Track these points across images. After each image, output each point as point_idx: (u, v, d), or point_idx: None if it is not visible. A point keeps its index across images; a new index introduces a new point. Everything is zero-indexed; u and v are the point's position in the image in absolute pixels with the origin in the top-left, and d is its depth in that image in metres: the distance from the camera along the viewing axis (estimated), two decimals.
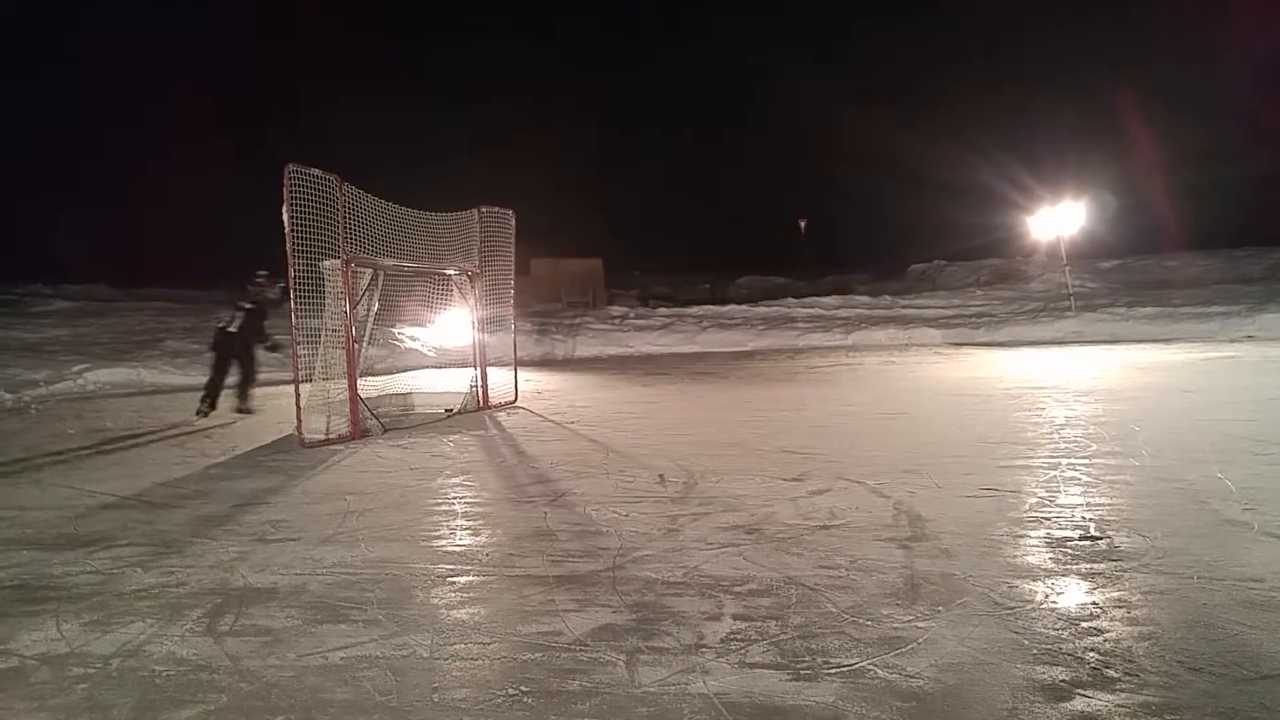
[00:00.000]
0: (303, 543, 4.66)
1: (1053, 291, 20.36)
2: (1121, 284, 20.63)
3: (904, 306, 20.06)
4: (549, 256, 26.01)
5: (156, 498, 5.92)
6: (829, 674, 2.86)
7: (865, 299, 21.02)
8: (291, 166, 7.72)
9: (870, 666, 2.89)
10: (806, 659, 2.98)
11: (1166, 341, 15.73)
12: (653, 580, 3.85)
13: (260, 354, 10.29)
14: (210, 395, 9.89)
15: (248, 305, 10.06)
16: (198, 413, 9.75)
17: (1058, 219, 19.81)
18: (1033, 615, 3.30)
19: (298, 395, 8.01)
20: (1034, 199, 20.84)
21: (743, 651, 3.06)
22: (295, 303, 7.95)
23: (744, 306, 21.15)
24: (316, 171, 7.96)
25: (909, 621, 3.27)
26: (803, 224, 39.24)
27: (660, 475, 6.07)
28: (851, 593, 3.60)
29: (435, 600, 3.75)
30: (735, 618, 3.37)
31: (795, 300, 21.50)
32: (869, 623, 3.27)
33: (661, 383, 12.61)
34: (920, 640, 3.09)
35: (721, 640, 3.16)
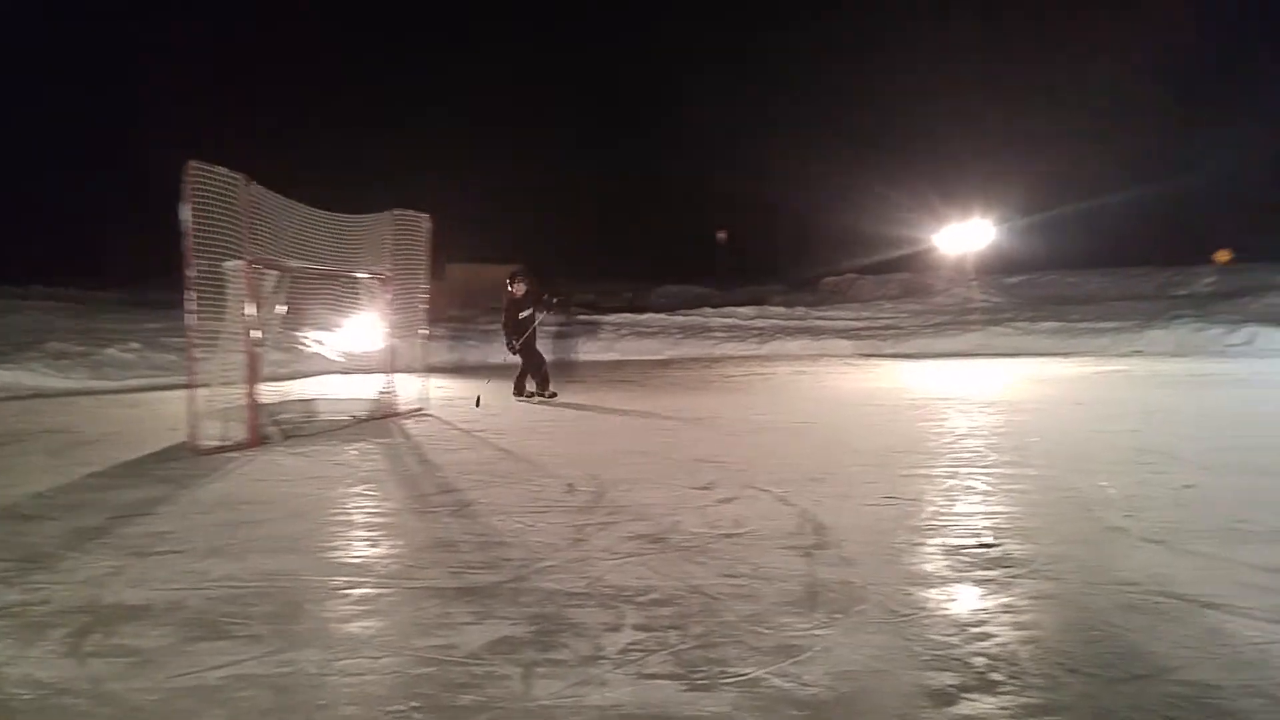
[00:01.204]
0: (187, 555, 4.45)
1: (959, 305, 21.10)
2: (1025, 299, 21.52)
3: (817, 318, 20.49)
4: (468, 262, 25.69)
5: (29, 509, 5.58)
6: (725, 684, 2.87)
7: (780, 310, 21.38)
8: (193, 163, 7.42)
9: (766, 675, 2.91)
10: (704, 669, 2.98)
11: (1065, 355, 16.47)
12: (554, 591, 3.80)
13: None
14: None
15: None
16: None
17: (965, 235, 20.54)
18: (926, 622, 3.37)
19: (192, 400, 7.67)
20: (942, 216, 21.58)
21: (641, 662, 3.04)
22: (194, 304, 7.64)
23: (662, 315, 21.28)
24: (221, 169, 7.68)
25: (807, 630, 3.30)
26: (721, 235, 39.75)
27: (569, 484, 6.03)
28: (752, 601, 3.63)
29: (326, 614, 3.62)
30: (635, 628, 3.36)
31: (712, 310, 21.72)
32: (768, 631, 3.30)
33: (576, 390, 12.55)
34: (817, 648, 3.13)
35: (620, 651, 3.14)
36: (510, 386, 11.67)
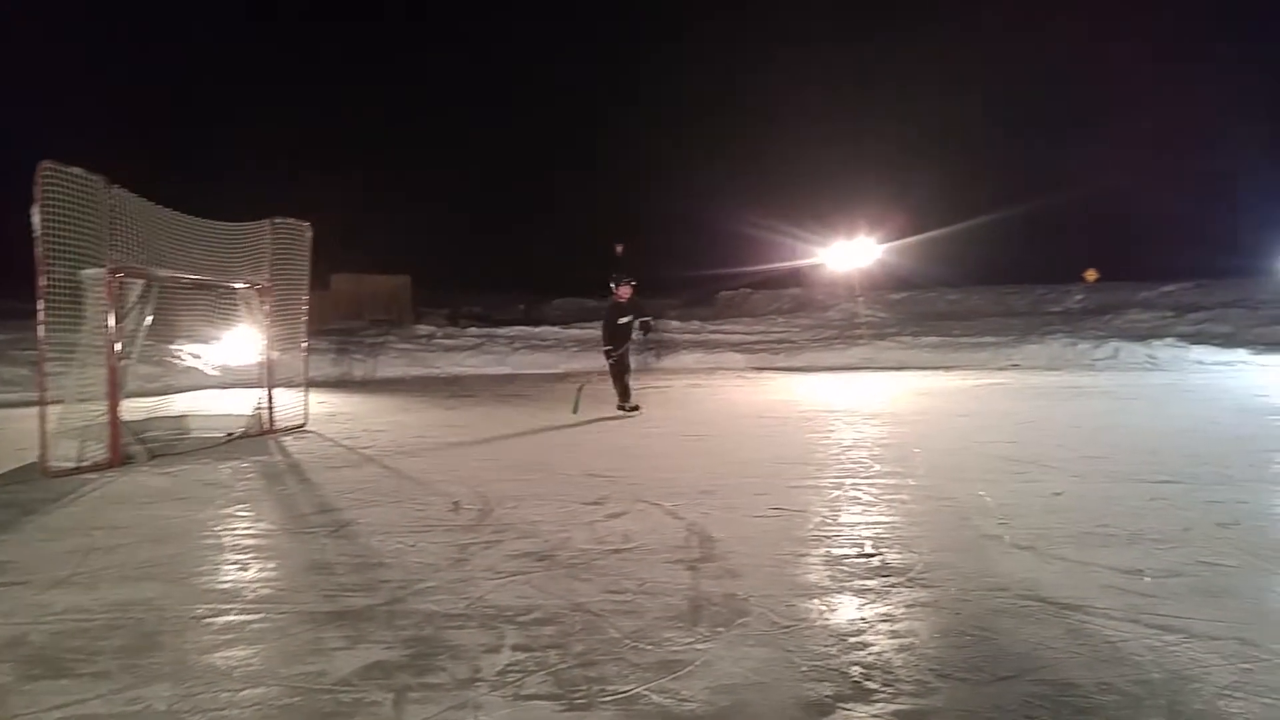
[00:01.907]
0: (30, 587, 4.14)
1: (847, 320, 21.80)
2: (909, 315, 22.39)
3: (711, 331, 20.82)
4: (353, 272, 24.99)
5: None
6: (604, 702, 2.84)
7: (675, 323, 21.61)
8: (46, 164, 6.97)
9: (645, 692, 2.89)
10: (583, 687, 2.94)
11: (947, 368, 17.19)
12: (433, 613, 3.70)
13: None
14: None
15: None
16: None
17: (852, 253, 21.27)
18: (806, 633, 3.43)
19: (44, 418, 7.18)
20: (831, 234, 22.29)
21: (519, 683, 2.98)
22: (47, 315, 7.15)
23: (557, 328, 21.19)
24: (77, 170, 7.23)
25: (689, 644, 3.31)
26: (619, 248, 39.96)
27: (455, 502, 5.90)
28: (635, 617, 3.61)
29: (185, 645, 3.42)
30: (515, 648, 3.29)
31: None
32: (649, 647, 3.29)
33: (467, 405, 12.35)
34: (698, 663, 3.13)
35: (498, 673, 3.07)
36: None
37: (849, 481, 6.53)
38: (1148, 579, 3.98)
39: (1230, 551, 4.40)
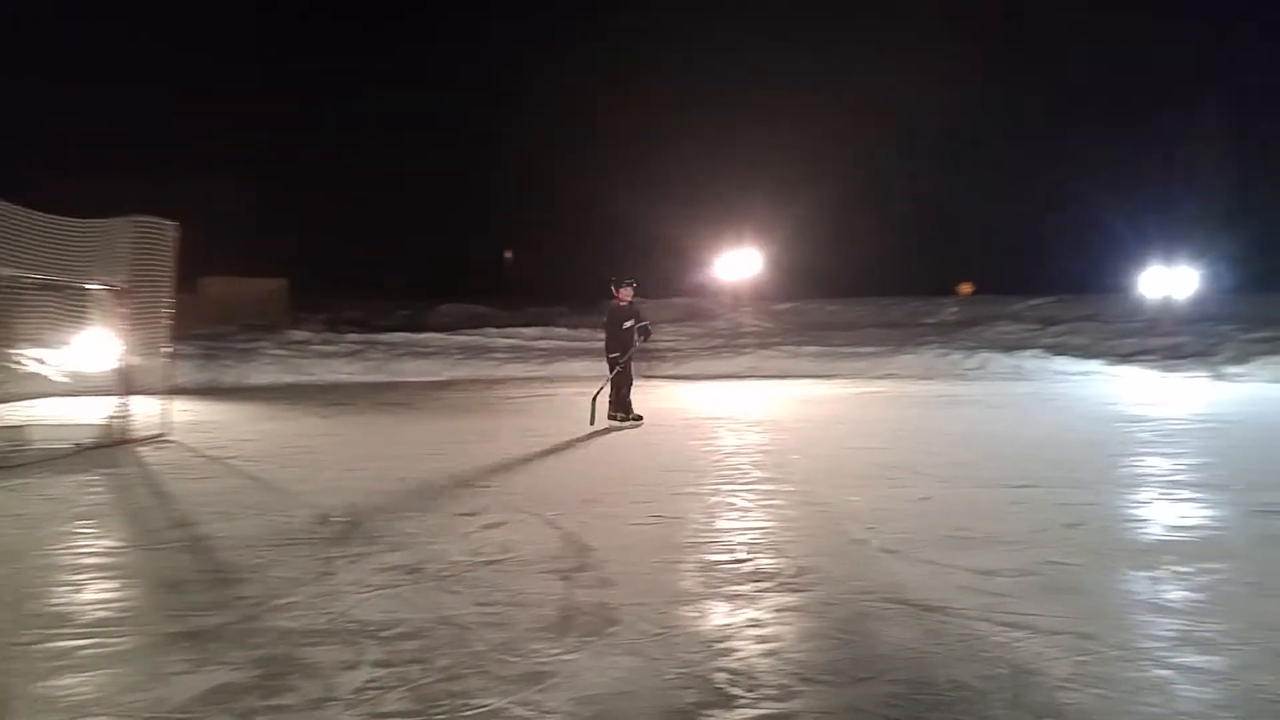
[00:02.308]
0: None
1: (733, 329, 22.24)
2: (792, 325, 23.00)
3: (601, 339, 20.85)
4: (226, 275, 23.89)
5: None
6: (465, 716, 2.77)
7: (565, 331, 21.54)
8: None
9: (508, 705, 2.84)
10: (445, 703, 2.86)
11: (827, 377, 17.71)
12: (289, 630, 3.54)
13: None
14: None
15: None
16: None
17: (738, 264, 21.72)
18: (675, 640, 3.44)
19: None
20: (719, 244, 22.70)
21: (376, 701, 2.88)
22: None
23: (442, 334, 20.80)
24: None
25: (556, 655, 3.27)
26: (509, 255, 39.61)
27: (324, 514, 5.68)
28: (504, 629, 3.55)
29: (7, 675, 3.16)
30: (375, 665, 3.18)
31: (495, 330, 21.53)
32: (515, 659, 3.24)
33: (343, 413, 11.96)
34: (564, 674, 3.10)
35: (354, 691, 2.96)
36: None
37: (728, 488, 6.63)
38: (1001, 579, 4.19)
39: (1076, 551, 4.67)
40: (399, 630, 3.54)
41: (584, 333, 21.26)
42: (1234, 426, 10.01)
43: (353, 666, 3.17)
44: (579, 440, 9.36)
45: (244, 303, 22.97)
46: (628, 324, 10.37)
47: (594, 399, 10.32)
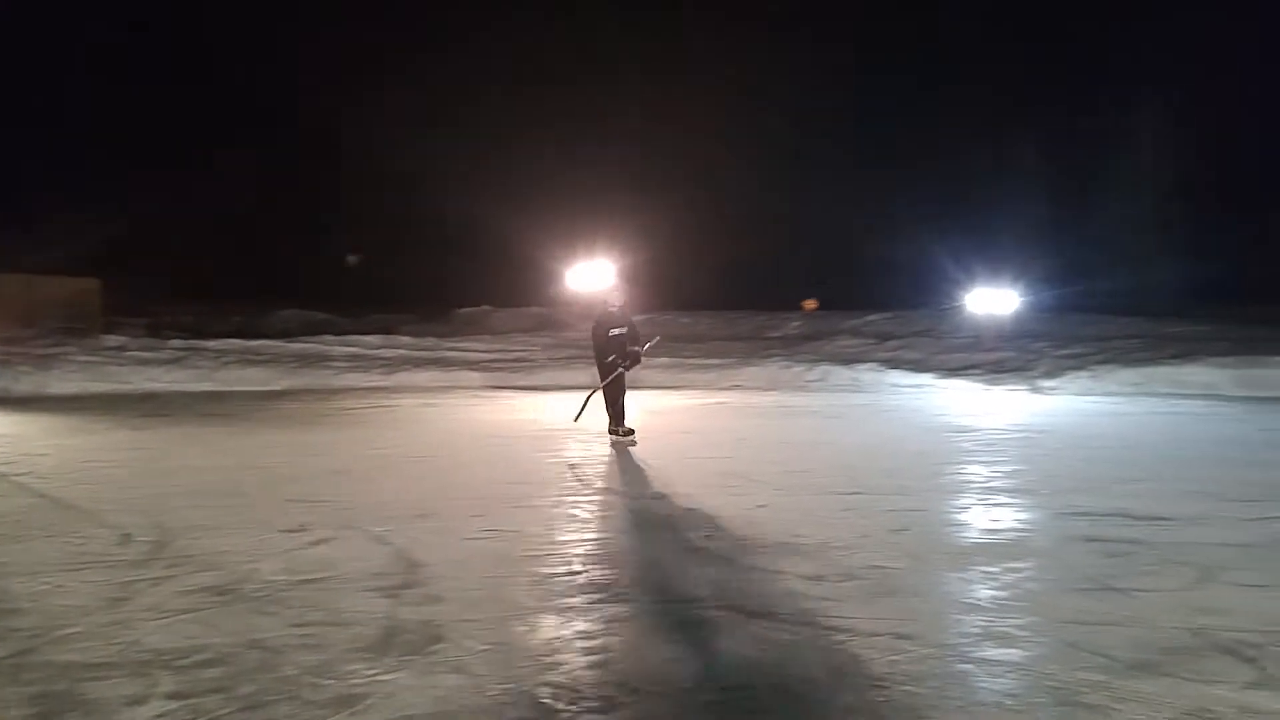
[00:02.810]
0: None
1: (586, 340, 22.25)
2: (645, 335, 23.29)
3: (448, 349, 20.39)
4: (25, 273, 21.84)
5: None
6: None
7: (408, 340, 20.94)
8: None
9: None
10: None
11: (676, 388, 17.98)
12: (71, 663, 3.24)
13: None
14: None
15: None
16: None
17: (593, 274, 21.77)
18: (501, 656, 3.38)
19: None
20: (571, 253, 22.68)
21: None
22: None
23: (276, 341, 19.80)
24: None
25: (373, 676, 3.14)
26: (352, 258, 38.26)
27: (125, 534, 5.26)
28: (319, 650, 3.38)
29: None
30: (167, 697, 2.95)
31: (334, 337, 20.66)
32: (330, 681, 3.08)
33: (160, 425, 11.17)
34: (379, 695, 2.98)
35: None
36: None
37: (569, 499, 6.60)
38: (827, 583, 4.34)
39: (899, 555, 4.91)
40: (200, 657, 3.31)
41: (430, 341, 20.79)
42: (1046, 436, 10.82)
43: (140, 701, 2.93)
44: (417, 453, 9.10)
45: (47, 304, 21.09)
46: (617, 331, 9.77)
47: (585, 400, 10.40)
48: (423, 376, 17.72)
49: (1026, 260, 24.22)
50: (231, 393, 15.81)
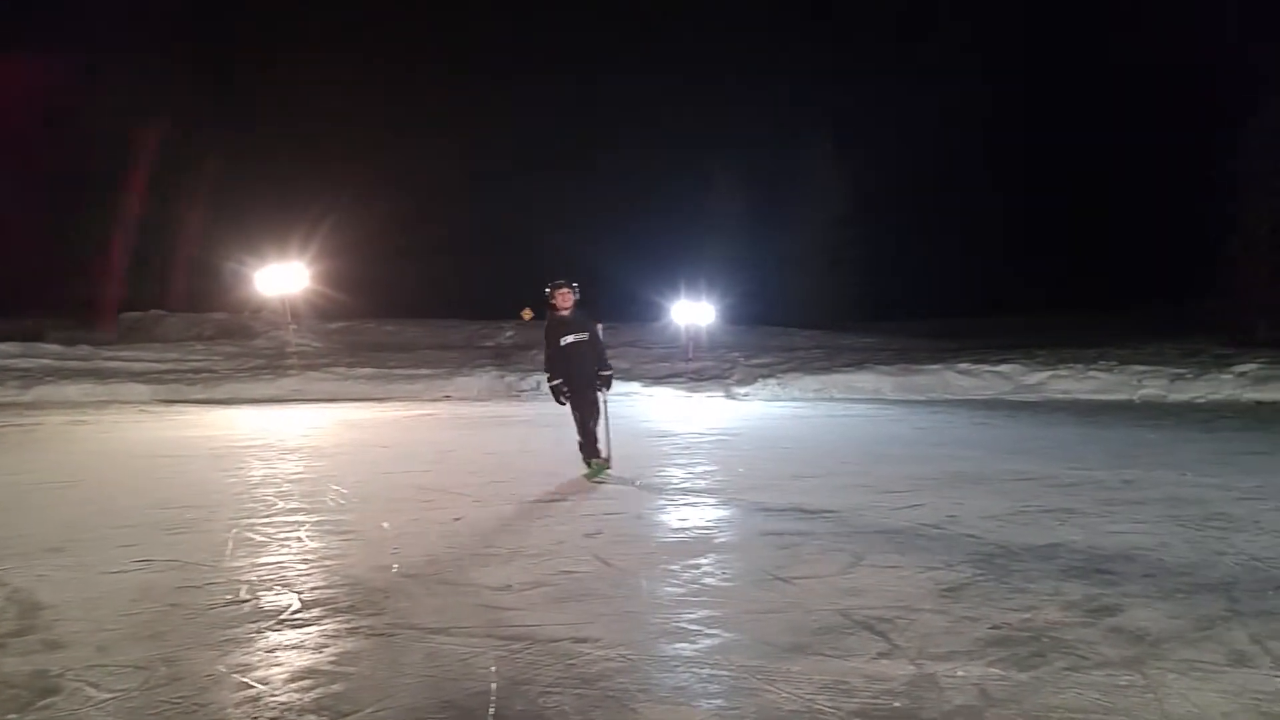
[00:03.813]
0: None
1: (277, 349, 20.88)
2: (344, 345, 22.24)
3: (106, 359, 18.20)
4: None
5: None
6: None
7: (55, 349, 18.42)
8: None
9: None
10: None
11: (381, 400, 17.38)
12: None
13: None
14: None
15: None
16: None
17: (284, 277, 20.46)
18: (130, 704, 3.02)
19: None
20: (262, 255, 21.19)
21: None
22: None
23: None
24: None
25: None
26: None
27: None
28: None
29: None
30: None
31: None
32: None
33: None
34: None
35: None
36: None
37: (245, 522, 6.12)
38: (513, 589, 4.34)
39: (589, 560, 5.03)
40: None
41: (84, 350, 18.47)
42: (738, 439, 11.66)
43: None
44: (61, 479, 8.03)
45: None
46: (570, 339, 7.95)
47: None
48: (73, 390, 15.74)
49: (723, 277, 26.12)
50: None
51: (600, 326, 8.57)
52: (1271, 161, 27.12)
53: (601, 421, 8.28)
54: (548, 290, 8.09)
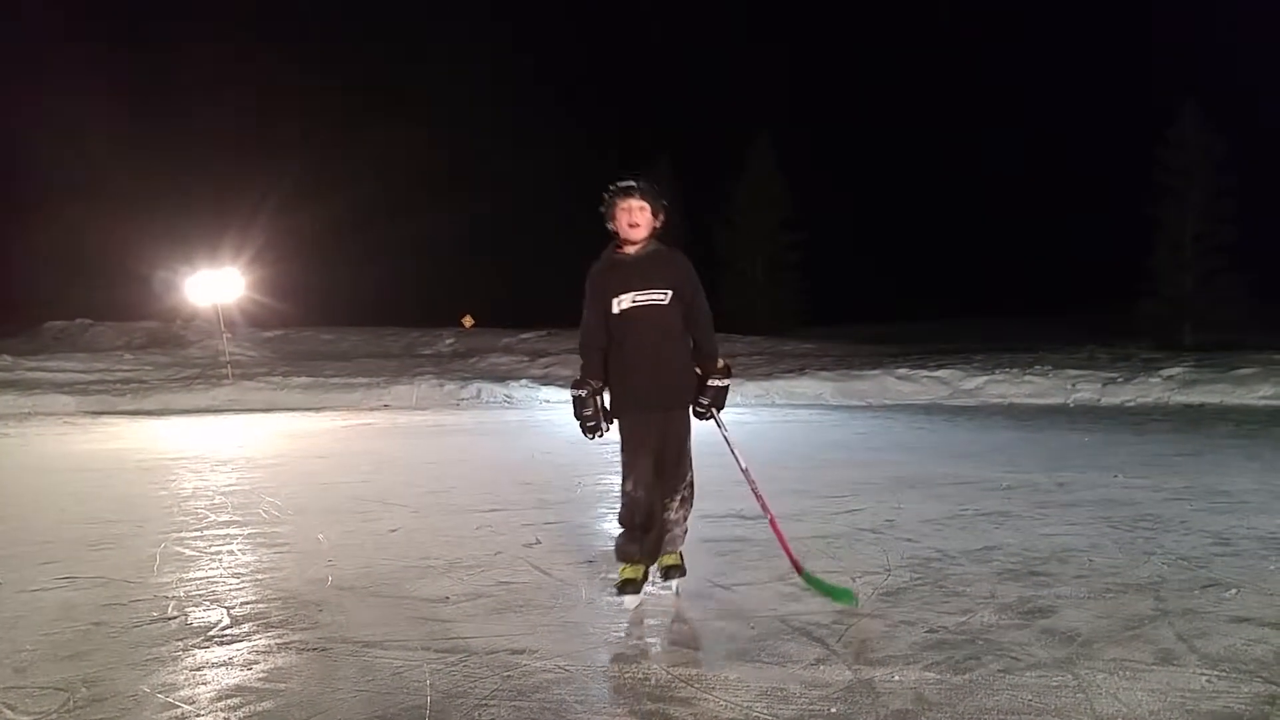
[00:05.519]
0: None
1: (211, 358, 20.39)
2: (281, 354, 21.80)
3: (29, 369, 17.59)
4: None
5: None
6: None
7: None
8: None
9: None
10: None
11: (317, 409, 17.09)
12: None
13: None
14: None
15: None
16: None
17: (218, 284, 20.02)
18: None
19: None
20: (195, 261, 20.72)
21: None
22: None
23: None
24: None
25: None
26: None
27: None
28: None
29: None
30: None
31: None
32: None
33: None
34: None
35: None
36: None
37: (175, 536, 5.96)
38: (450, 601, 4.29)
39: (526, 570, 4.99)
40: None
41: (5, 360, 17.82)
42: None
43: None
44: None
45: None
46: (627, 299, 4.29)
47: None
48: None
49: None
50: None
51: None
52: (1192, 168, 28.22)
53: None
54: (605, 198, 4.26)
